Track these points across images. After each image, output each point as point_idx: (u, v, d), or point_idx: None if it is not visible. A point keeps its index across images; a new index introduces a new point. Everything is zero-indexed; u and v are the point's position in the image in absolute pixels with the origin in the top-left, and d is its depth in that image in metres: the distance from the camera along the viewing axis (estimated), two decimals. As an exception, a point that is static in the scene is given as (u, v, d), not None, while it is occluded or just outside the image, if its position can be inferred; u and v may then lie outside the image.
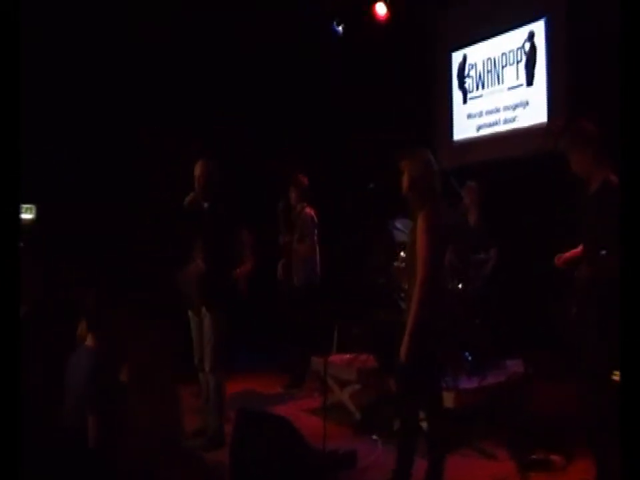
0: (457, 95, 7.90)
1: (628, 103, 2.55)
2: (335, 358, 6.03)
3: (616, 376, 3.26)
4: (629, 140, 2.57)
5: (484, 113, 7.50)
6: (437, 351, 3.87)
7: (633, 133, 2.55)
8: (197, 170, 5.15)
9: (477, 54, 7.64)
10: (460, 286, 5.59)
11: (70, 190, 6.75)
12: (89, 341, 3.88)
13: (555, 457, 4.34)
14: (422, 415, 4.14)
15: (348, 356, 5.99)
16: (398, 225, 5.72)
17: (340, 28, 8.06)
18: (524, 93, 7.01)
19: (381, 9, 7.71)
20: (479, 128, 7.56)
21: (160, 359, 4.33)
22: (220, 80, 7.75)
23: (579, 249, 3.92)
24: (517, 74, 7.11)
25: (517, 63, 7.11)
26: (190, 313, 5.14)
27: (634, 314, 2.39)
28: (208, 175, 5.14)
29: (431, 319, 3.74)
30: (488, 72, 7.49)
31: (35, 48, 5.84)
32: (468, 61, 7.76)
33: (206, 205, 5.11)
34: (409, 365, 3.75)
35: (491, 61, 7.45)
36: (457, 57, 7.90)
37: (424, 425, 4.19)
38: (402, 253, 5.37)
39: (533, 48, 6.93)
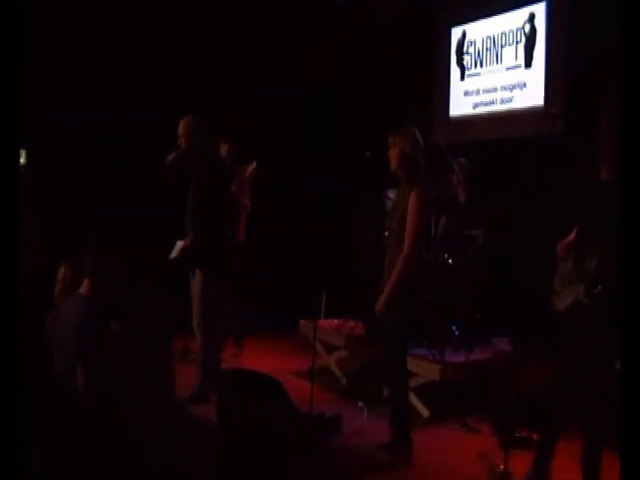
0: (454, 70, 7.86)
1: (630, 91, 2.55)
2: (324, 323, 6.03)
3: None
4: (631, 127, 2.57)
5: (481, 91, 7.48)
6: (413, 318, 4.04)
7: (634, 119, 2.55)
8: (181, 128, 4.94)
9: (477, 31, 7.59)
10: (450, 261, 5.62)
11: (64, 133, 6.53)
12: (83, 289, 3.81)
13: (537, 436, 4.40)
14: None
15: (336, 321, 6.00)
16: (390, 194, 5.70)
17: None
18: (522, 74, 6.99)
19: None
20: (475, 106, 7.55)
21: (156, 314, 4.27)
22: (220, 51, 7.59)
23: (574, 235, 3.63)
24: (516, 54, 7.08)
25: (517, 43, 7.08)
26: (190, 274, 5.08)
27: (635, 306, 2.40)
28: (193, 132, 4.92)
29: (410, 287, 3.99)
30: (487, 50, 7.46)
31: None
32: (467, 38, 7.72)
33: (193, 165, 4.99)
34: (389, 332, 4.02)
35: (490, 39, 7.41)
36: (456, 33, 7.84)
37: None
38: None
39: (533, 29, 6.91)
